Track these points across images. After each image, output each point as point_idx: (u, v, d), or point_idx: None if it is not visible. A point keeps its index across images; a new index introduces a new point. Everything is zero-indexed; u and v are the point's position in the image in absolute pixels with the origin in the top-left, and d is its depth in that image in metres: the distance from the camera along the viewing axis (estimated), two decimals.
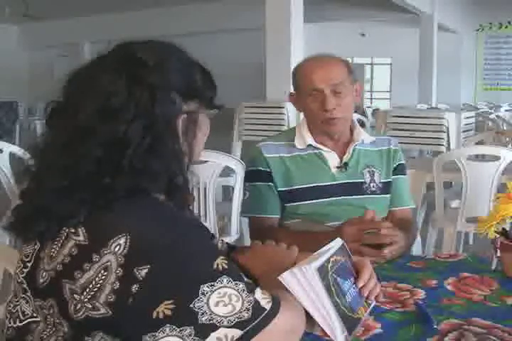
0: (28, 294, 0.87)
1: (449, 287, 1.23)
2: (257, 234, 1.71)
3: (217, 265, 0.80)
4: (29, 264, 0.88)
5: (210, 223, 2.64)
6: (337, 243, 1.07)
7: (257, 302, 0.80)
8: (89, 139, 0.82)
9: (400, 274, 1.31)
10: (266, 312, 0.80)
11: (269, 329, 0.80)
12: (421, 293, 1.19)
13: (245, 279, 0.83)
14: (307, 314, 0.93)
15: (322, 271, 0.96)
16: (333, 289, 0.97)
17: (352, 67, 1.67)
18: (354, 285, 1.05)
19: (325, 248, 1.03)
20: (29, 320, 0.87)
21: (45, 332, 0.85)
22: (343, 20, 12.42)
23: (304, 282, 0.92)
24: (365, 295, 1.06)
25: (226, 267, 0.81)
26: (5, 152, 3.15)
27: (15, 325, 0.89)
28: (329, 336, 0.97)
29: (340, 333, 0.96)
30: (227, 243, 1.24)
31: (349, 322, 0.98)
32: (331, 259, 1.01)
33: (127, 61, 0.86)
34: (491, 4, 12.29)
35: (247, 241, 1.79)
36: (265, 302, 0.81)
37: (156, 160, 0.83)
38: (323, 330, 0.98)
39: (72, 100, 0.87)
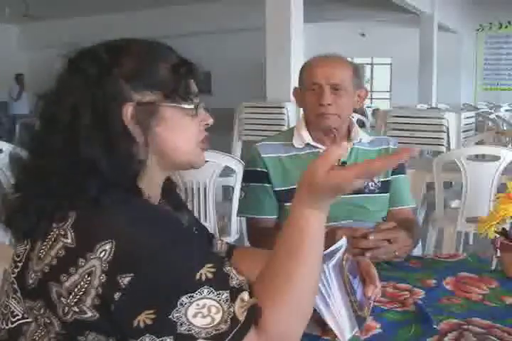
0: (19, 294, 0.87)
1: (448, 287, 1.23)
2: (253, 234, 1.71)
3: (201, 275, 0.79)
4: (20, 264, 0.87)
5: (210, 223, 2.64)
6: (343, 242, 1.07)
7: (234, 312, 0.78)
8: (39, 126, 0.88)
9: (400, 274, 1.31)
10: (240, 324, 0.77)
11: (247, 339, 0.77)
12: (420, 293, 1.19)
13: (234, 284, 0.81)
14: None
15: (338, 269, 0.97)
16: (348, 287, 0.97)
17: (360, 72, 1.67)
18: (360, 284, 1.05)
19: (334, 247, 1.03)
20: (20, 321, 0.87)
21: (37, 334, 0.85)
22: (343, 20, 12.44)
23: (320, 281, 0.92)
24: (369, 295, 1.06)
25: (211, 276, 0.79)
26: (5, 152, 3.16)
27: (7, 327, 0.88)
28: (329, 336, 0.97)
29: (349, 332, 0.96)
30: (227, 243, 1.24)
31: (359, 320, 0.99)
32: (344, 257, 1.01)
33: (75, 55, 0.90)
34: (491, 4, 12.30)
35: (247, 241, 1.79)
36: (240, 313, 0.78)
37: (67, 141, 0.84)
38: (322, 330, 0.99)
39: None
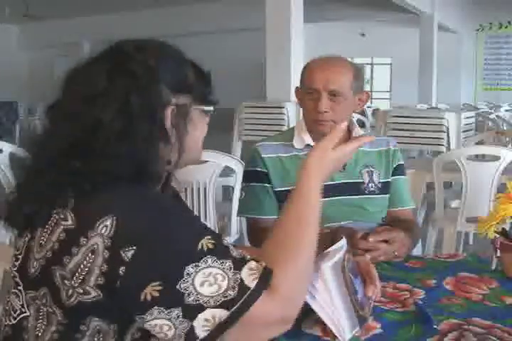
0: (20, 287, 0.88)
1: (448, 287, 1.23)
2: (253, 234, 1.71)
3: (202, 245, 0.80)
4: (20, 257, 0.89)
5: (210, 223, 2.64)
6: (344, 242, 1.07)
7: (242, 280, 0.80)
8: (67, 123, 0.86)
9: (400, 274, 1.31)
10: (250, 290, 0.79)
11: (253, 312, 0.79)
12: (420, 293, 1.19)
13: (236, 255, 0.82)
14: (306, 313, 0.93)
15: (340, 269, 0.96)
16: (350, 287, 0.97)
17: (361, 75, 1.64)
18: (361, 284, 1.05)
19: (335, 246, 1.03)
20: (20, 316, 0.88)
21: (38, 329, 0.86)
22: (343, 20, 12.44)
23: (316, 280, 0.92)
24: (369, 295, 1.06)
25: (211, 247, 0.81)
26: (5, 152, 3.16)
27: (10, 323, 0.89)
28: (329, 336, 0.97)
29: (349, 332, 0.96)
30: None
31: (360, 320, 0.98)
32: (346, 257, 1.01)
33: (113, 53, 0.91)
34: (491, 4, 12.30)
35: (247, 241, 1.79)
36: (250, 280, 0.80)
37: (124, 145, 0.84)
38: (322, 330, 0.99)
39: (63, 94, 0.91)
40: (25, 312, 0.87)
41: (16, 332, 0.88)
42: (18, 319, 0.88)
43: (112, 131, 0.84)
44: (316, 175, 0.97)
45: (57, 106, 0.90)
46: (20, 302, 0.88)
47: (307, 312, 0.95)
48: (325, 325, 0.97)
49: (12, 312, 0.89)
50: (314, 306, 0.94)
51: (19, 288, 0.88)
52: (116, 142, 0.84)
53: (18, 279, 0.89)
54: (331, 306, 0.94)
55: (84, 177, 0.83)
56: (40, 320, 0.85)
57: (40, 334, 0.85)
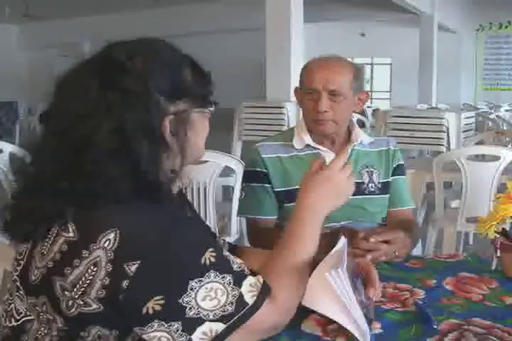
0: (21, 292, 0.88)
1: (448, 287, 1.23)
2: (253, 234, 1.71)
3: (205, 259, 0.81)
4: (22, 262, 0.89)
5: (210, 223, 2.64)
6: (344, 242, 1.06)
7: (241, 296, 0.82)
8: (58, 142, 0.83)
9: (400, 274, 1.31)
10: (248, 307, 0.82)
11: (250, 323, 0.81)
12: (421, 293, 1.19)
13: (236, 269, 0.84)
14: (302, 312, 0.93)
15: (344, 271, 0.96)
16: (352, 288, 0.97)
17: (361, 74, 1.65)
18: (362, 285, 1.05)
19: (337, 247, 1.03)
20: (24, 319, 0.88)
21: (39, 332, 0.86)
22: (343, 20, 12.44)
23: (337, 285, 0.90)
24: (370, 295, 1.06)
25: (214, 260, 0.81)
26: (5, 152, 3.16)
27: (10, 325, 0.89)
28: (330, 336, 0.97)
29: (368, 333, 0.95)
30: (228, 243, 1.24)
31: (367, 321, 0.98)
32: (346, 259, 1.01)
33: (105, 65, 0.86)
34: (491, 4, 12.30)
35: (247, 242, 1.79)
36: (249, 296, 0.82)
37: (115, 165, 0.81)
38: (323, 330, 0.98)
39: (54, 104, 0.88)
40: (30, 315, 0.87)
41: (15, 333, 0.88)
42: (21, 321, 0.88)
43: (105, 151, 0.81)
44: (313, 217, 1.03)
45: (48, 122, 0.88)
46: (25, 306, 0.88)
47: (307, 313, 0.94)
48: (325, 325, 0.97)
49: (15, 314, 0.89)
50: (341, 312, 0.91)
51: (20, 292, 0.88)
52: (113, 163, 0.81)
53: (18, 284, 0.89)
54: (353, 309, 0.92)
55: (83, 194, 0.81)
56: (43, 325, 0.86)
57: (40, 337, 0.85)
